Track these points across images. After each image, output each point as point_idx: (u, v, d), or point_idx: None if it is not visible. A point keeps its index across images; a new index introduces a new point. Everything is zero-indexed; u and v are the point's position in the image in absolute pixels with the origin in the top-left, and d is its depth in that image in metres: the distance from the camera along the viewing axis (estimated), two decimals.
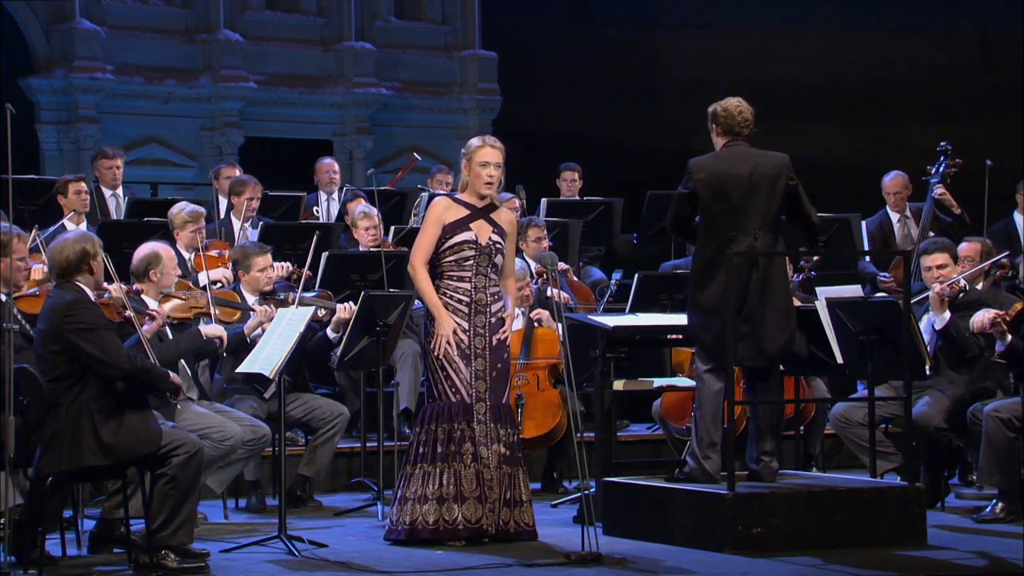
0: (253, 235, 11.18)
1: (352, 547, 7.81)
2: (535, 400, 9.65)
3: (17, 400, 7.03)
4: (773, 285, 7.89)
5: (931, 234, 10.62)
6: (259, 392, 8.95)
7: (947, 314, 8.87)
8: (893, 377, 8.71)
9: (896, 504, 7.77)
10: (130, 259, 8.62)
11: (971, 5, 20.62)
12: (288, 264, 10.32)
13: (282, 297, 9.21)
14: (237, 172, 12.46)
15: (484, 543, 7.68)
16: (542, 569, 7.17)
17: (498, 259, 7.87)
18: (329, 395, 9.91)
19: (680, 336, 8.75)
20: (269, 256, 9.40)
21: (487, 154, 7.89)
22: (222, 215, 11.83)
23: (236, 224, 11.51)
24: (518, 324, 9.87)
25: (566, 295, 10.73)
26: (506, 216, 7.98)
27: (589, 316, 8.90)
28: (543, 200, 12.61)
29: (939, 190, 11.32)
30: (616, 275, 11.12)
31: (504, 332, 7.87)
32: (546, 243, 10.85)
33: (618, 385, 8.61)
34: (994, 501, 8.60)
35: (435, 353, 7.80)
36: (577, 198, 13.21)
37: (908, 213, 11.88)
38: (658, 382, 9.14)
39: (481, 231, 7.84)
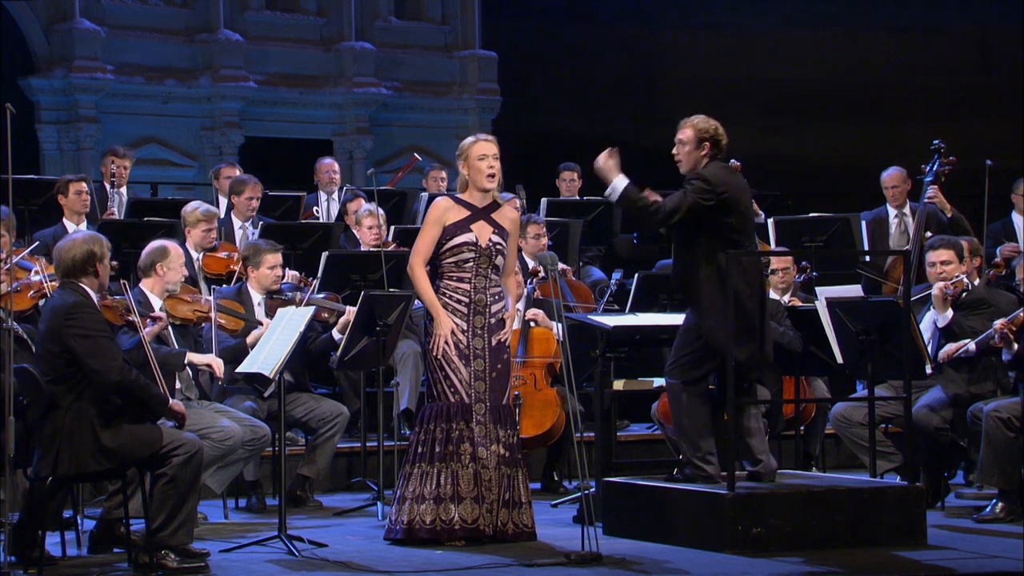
0: (253, 235, 11.19)
1: (352, 547, 7.81)
2: (532, 399, 9.65)
3: (17, 400, 7.03)
4: (765, 297, 7.95)
5: (928, 234, 10.62)
6: (259, 392, 8.95)
7: (949, 312, 8.87)
8: (893, 377, 8.70)
9: (896, 504, 7.77)
10: (130, 259, 8.63)
11: (971, 5, 20.62)
12: (296, 273, 10.34)
13: (288, 297, 9.22)
14: (237, 172, 12.48)
15: (482, 543, 7.68)
16: (542, 569, 7.17)
17: (499, 260, 7.85)
18: (329, 395, 9.91)
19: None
20: (279, 255, 9.42)
21: (482, 147, 7.87)
22: (222, 215, 11.84)
23: (237, 224, 11.52)
24: (515, 323, 9.88)
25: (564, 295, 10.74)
26: (509, 214, 7.96)
27: (589, 316, 8.90)
28: (543, 200, 12.61)
29: (931, 192, 11.30)
30: (616, 275, 11.12)
31: (504, 334, 7.87)
32: (545, 241, 10.85)
33: (618, 385, 8.61)
34: (994, 501, 8.60)
35: (434, 353, 7.80)
36: (577, 198, 13.21)
37: (907, 210, 11.88)
38: (658, 382, 9.14)
39: (482, 232, 7.83)
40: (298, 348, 7.89)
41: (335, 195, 13.09)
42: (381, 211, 11.21)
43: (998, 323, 8.59)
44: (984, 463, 8.57)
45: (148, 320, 7.93)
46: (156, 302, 8.46)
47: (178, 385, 8.45)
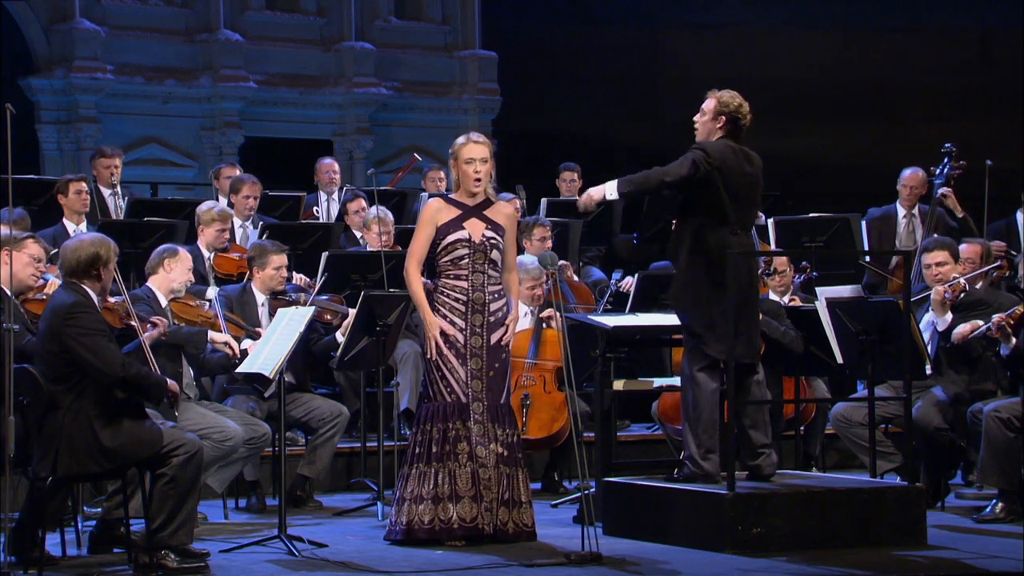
0: (253, 234, 11.19)
1: (352, 547, 7.81)
2: (540, 401, 9.65)
3: (17, 400, 7.02)
4: (756, 287, 7.96)
5: (935, 236, 10.62)
6: (259, 392, 8.95)
7: (949, 315, 8.87)
8: (893, 377, 8.70)
9: (896, 504, 7.77)
10: (130, 259, 8.64)
11: (971, 5, 20.63)
12: (303, 276, 10.34)
13: (293, 299, 9.22)
14: (237, 172, 12.48)
15: (482, 543, 7.68)
16: (542, 569, 7.16)
17: (495, 255, 7.86)
18: (329, 395, 9.91)
19: (680, 336, 8.75)
20: (285, 256, 9.42)
21: (471, 151, 7.88)
22: (232, 217, 11.82)
23: (237, 223, 11.52)
24: (527, 323, 9.87)
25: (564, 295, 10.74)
26: (503, 211, 7.96)
27: (589, 316, 8.90)
28: (543, 200, 12.61)
29: (943, 191, 11.32)
30: (616, 275, 11.12)
31: (505, 337, 7.85)
32: (550, 243, 10.86)
33: (618, 385, 8.61)
34: (994, 501, 8.60)
35: (428, 356, 7.82)
36: (577, 198, 13.18)
37: (916, 211, 11.88)
38: (658, 382, 9.13)
39: (475, 229, 7.84)
40: (299, 348, 7.89)
41: (335, 195, 13.09)
42: (390, 215, 11.20)
43: (996, 317, 8.60)
44: (984, 463, 8.57)
45: (148, 325, 7.93)
46: (163, 300, 8.48)
47: (186, 380, 8.46)
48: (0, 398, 6.87)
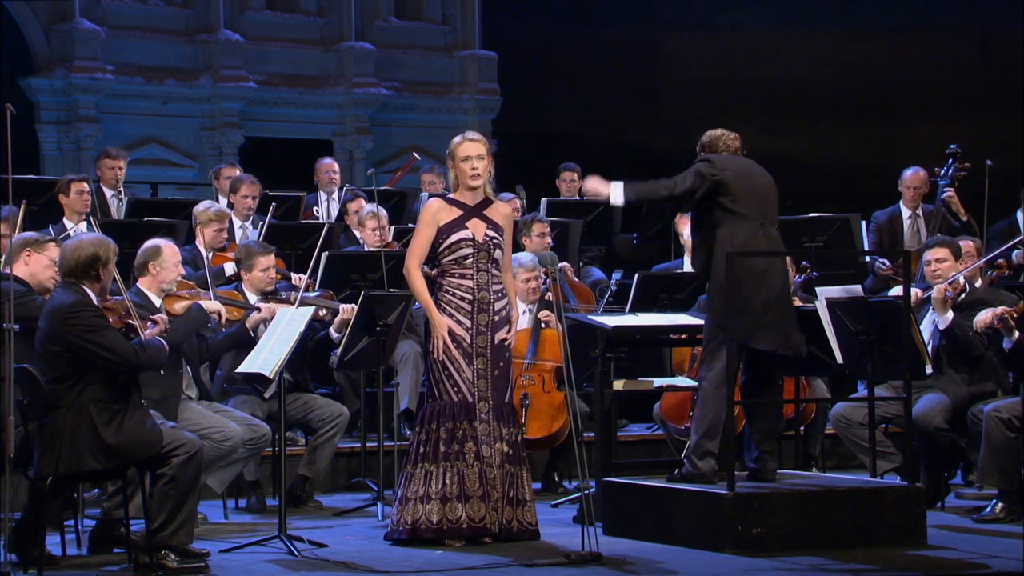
0: (253, 234, 11.20)
1: (352, 547, 7.81)
2: (539, 401, 9.65)
3: (17, 400, 7.03)
4: (788, 281, 8.10)
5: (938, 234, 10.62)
6: (259, 392, 8.95)
7: (950, 314, 8.87)
8: (893, 377, 8.70)
9: (896, 504, 7.77)
10: (130, 259, 8.62)
11: (971, 5, 20.63)
12: (302, 276, 10.33)
13: (284, 297, 9.21)
14: (237, 172, 12.48)
15: (486, 542, 7.68)
16: (542, 569, 7.17)
17: (497, 254, 7.87)
18: (329, 395, 9.90)
19: (684, 336, 8.75)
20: (272, 256, 9.40)
21: (467, 148, 7.90)
22: (229, 217, 11.83)
23: (236, 223, 11.53)
24: (525, 323, 9.87)
25: (565, 294, 10.75)
26: (502, 210, 7.98)
27: (589, 316, 8.90)
28: (543, 200, 12.61)
29: (948, 192, 11.31)
30: (616, 275, 11.12)
31: (509, 335, 7.87)
32: (549, 240, 10.86)
33: (618, 385, 8.61)
34: (994, 501, 8.60)
35: (434, 355, 7.82)
36: (577, 198, 13.20)
37: (920, 212, 11.87)
38: (658, 382, 9.14)
39: (477, 228, 7.85)
40: (297, 348, 7.88)
41: (335, 195, 13.10)
42: (384, 212, 11.21)
43: (999, 309, 8.61)
44: (984, 463, 8.57)
45: (148, 323, 7.92)
46: (156, 300, 8.46)
47: (182, 383, 8.45)
48: (0, 398, 6.87)
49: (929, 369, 8.79)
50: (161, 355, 7.33)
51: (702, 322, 8.18)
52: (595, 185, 8.02)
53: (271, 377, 7.87)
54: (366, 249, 11.02)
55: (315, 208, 13.01)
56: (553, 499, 9.38)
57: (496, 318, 7.85)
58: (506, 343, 7.87)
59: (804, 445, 10.04)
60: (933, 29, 20.92)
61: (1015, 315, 8.58)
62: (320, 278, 10.35)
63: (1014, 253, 11.25)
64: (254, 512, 9.15)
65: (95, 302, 7.21)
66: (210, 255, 10.45)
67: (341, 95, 20.02)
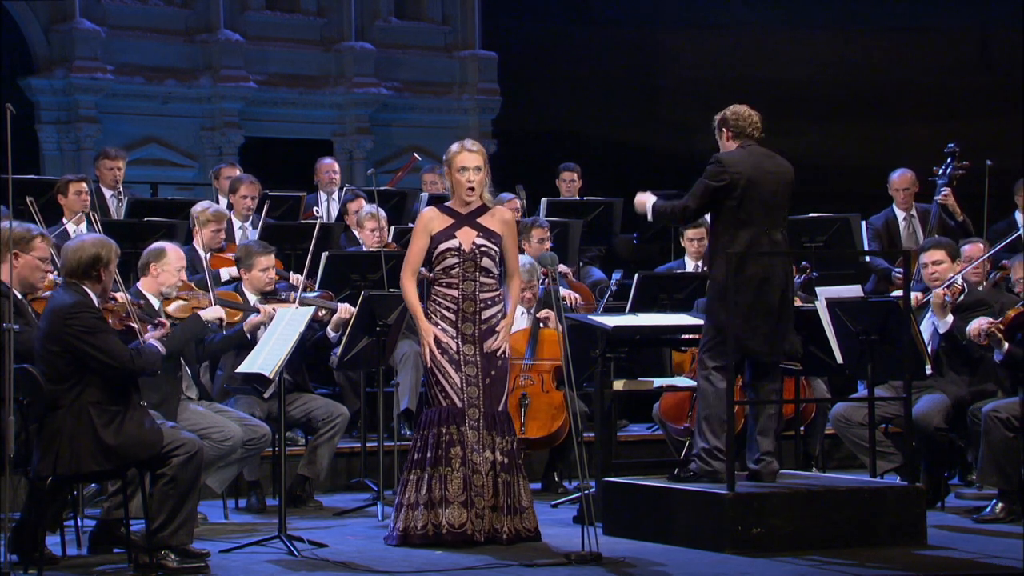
0: (253, 234, 11.19)
1: (352, 547, 7.81)
2: (539, 401, 9.66)
3: (17, 400, 7.02)
4: (791, 285, 8.07)
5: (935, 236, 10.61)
6: (259, 392, 8.95)
7: (950, 318, 8.87)
8: (893, 377, 8.71)
9: (896, 504, 7.77)
10: (130, 259, 8.62)
11: (971, 5, 20.62)
12: (299, 276, 10.33)
13: (283, 297, 9.21)
14: (237, 172, 12.47)
15: (474, 545, 7.66)
16: (542, 569, 7.16)
17: (485, 263, 7.84)
18: (329, 395, 9.91)
19: (688, 336, 8.75)
20: (272, 256, 9.41)
21: (464, 159, 7.90)
22: (227, 217, 11.82)
23: (236, 224, 11.53)
24: (524, 323, 9.87)
25: (573, 294, 10.75)
26: (500, 216, 7.95)
27: (589, 316, 8.90)
28: (543, 200, 12.61)
29: (944, 193, 11.31)
30: (616, 275, 11.12)
31: (496, 343, 7.84)
32: (549, 245, 10.85)
33: (618, 385, 8.61)
34: (994, 501, 8.60)
35: (425, 362, 7.83)
36: (577, 198, 13.21)
37: (914, 212, 11.86)
38: (658, 382, 9.14)
39: (465, 237, 7.85)
40: (297, 348, 7.88)
41: (335, 195, 13.10)
42: (383, 213, 11.21)
43: (986, 322, 8.58)
44: (983, 463, 8.57)
45: (149, 326, 7.91)
46: (154, 302, 8.45)
47: (182, 384, 8.45)
48: (0, 398, 6.87)
49: (929, 369, 8.79)
50: (157, 361, 7.32)
51: (702, 322, 8.18)
52: (642, 200, 8.29)
53: (271, 377, 7.87)
54: (365, 250, 11.01)
55: (315, 208, 13.01)
56: (553, 499, 9.38)
57: (484, 327, 7.84)
58: (495, 351, 7.83)
59: (804, 445, 10.04)
60: (933, 29, 20.90)
61: (1002, 327, 8.56)
62: (320, 278, 10.35)
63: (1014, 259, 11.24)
64: (254, 512, 9.15)
65: (96, 303, 7.21)
66: (208, 255, 10.44)
67: (341, 95, 20.00)
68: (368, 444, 9.76)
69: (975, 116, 19.70)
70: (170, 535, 7.11)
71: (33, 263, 7.57)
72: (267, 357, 7.80)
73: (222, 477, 8.56)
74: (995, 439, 8.48)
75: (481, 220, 7.90)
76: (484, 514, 7.72)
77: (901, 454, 8.74)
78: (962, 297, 8.94)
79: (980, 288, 9.35)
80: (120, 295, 7.73)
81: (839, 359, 8.59)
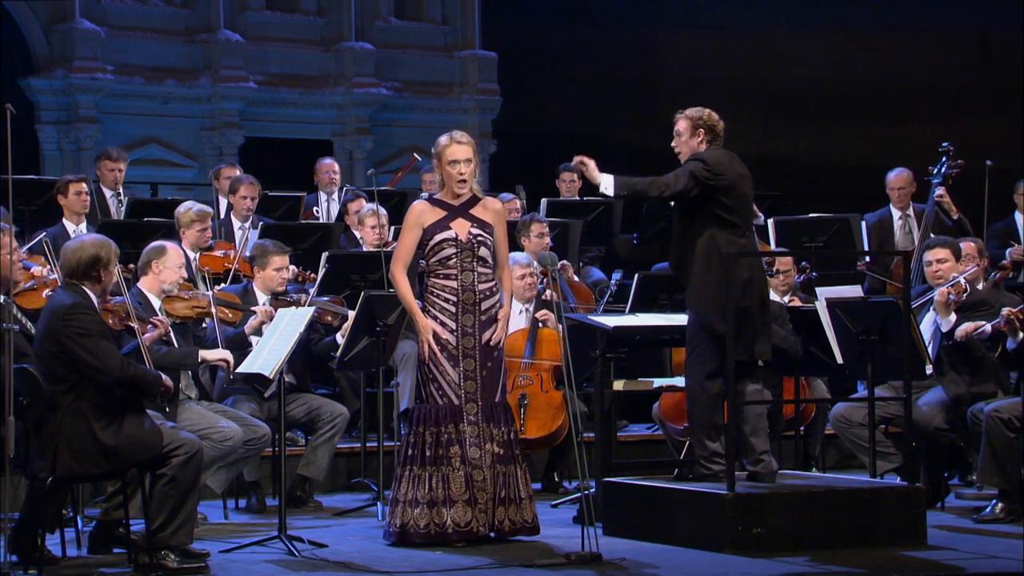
0: (253, 235, 11.19)
1: (352, 547, 7.81)
2: (538, 401, 9.66)
3: (17, 400, 7.02)
4: (767, 286, 8.09)
5: (932, 236, 10.62)
6: (259, 392, 8.95)
7: (953, 317, 8.87)
8: (893, 377, 8.70)
9: (896, 504, 7.77)
10: (130, 259, 8.62)
11: (971, 5, 20.62)
12: (294, 267, 10.32)
13: (293, 299, 9.21)
14: (237, 172, 12.47)
15: (459, 547, 7.65)
16: (542, 569, 7.16)
17: (482, 252, 7.83)
18: (329, 395, 9.91)
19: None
20: (287, 257, 9.43)
21: (454, 152, 7.86)
22: (222, 215, 11.85)
23: (236, 224, 11.53)
24: (523, 323, 9.87)
25: (564, 294, 10.75)
26: (491, 207, 7.94)
27: (589, 316, 8.90)
28: (543, 200, 12.61)
29: (939, 192, 11.32)
30: (616, 275, 11.12)
31: (496, 335, 7.84)
32: (548, 240, 10.85)
33: (618, 385, 8.61)
34: (994, 501, 8.60)
35: (422, 357, 7.81)
36: (577, 198, 13.21)
37: (911, 212, 11.86)
38: (658, 382, 9.14)
39: (461, 228, 7.83)
40: (298, 349, 7.88)
41: (335, 195, 13.09)
42: (383, 211, 11.21)
43: (1006, 310, 8.61)
44: (984, 464, 8.57)
45: (148, 326, 7.91)
46: (155, 302, 8.45)
47: (181, 384, 8.45)
48: (0, 398, 6.87)
49: (929, 369, 8.79)
50: (147, 377, 7.22)
51: None
52: (591, 169, 8.04)
53: (271, 377, 7.87)
54: (365, 249, 11.02)
55: (315, 208, 13.01)
56: (553, 499, 9.38)
57: (483, 317, 7.83)
58: (493, 343, 7.83)
59: (804, 445, 10.04)
60: (933, 29, 20.90)
61: (1021, 316, 8.57)
62: (320, 278, 10.35)
63: (1007, 250, 11.26)
64: (254, 512, 9.15)
65: (95, 304, 7.20)
66: (196, 255, 10.44)
67: (341, 95, 20.01)
68: (368, 444, 9.76)
69: (975, 116, 19.70)
70: (170, 535, 7.11)
71: (4, 259, 7.56)
72: (267, 357, 7.80)
73: (222, 477, 8.56)
74: (997, 439, 8.48)
75: (473, 212, 7.88)
76: (488, 508, 7.72)
77: (901, 454, 8.74)
78: (965, 295, 8.93)
79: (980, 287, 9.34)
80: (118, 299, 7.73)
81: (839, 359, 8.59)
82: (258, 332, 8.78)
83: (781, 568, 7.16)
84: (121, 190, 12.14)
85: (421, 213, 7.87)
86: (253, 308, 9.01)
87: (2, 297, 7.55)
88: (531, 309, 9.96)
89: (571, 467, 9.88)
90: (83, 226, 10.93)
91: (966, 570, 7.23)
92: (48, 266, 8.88)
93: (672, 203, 8.08)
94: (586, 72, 20.99)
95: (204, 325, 8.66)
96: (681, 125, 8.05)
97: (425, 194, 12.70)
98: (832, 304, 8.58)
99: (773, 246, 11.35)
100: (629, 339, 8.72)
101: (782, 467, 8.29)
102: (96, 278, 7.22)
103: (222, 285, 9.73)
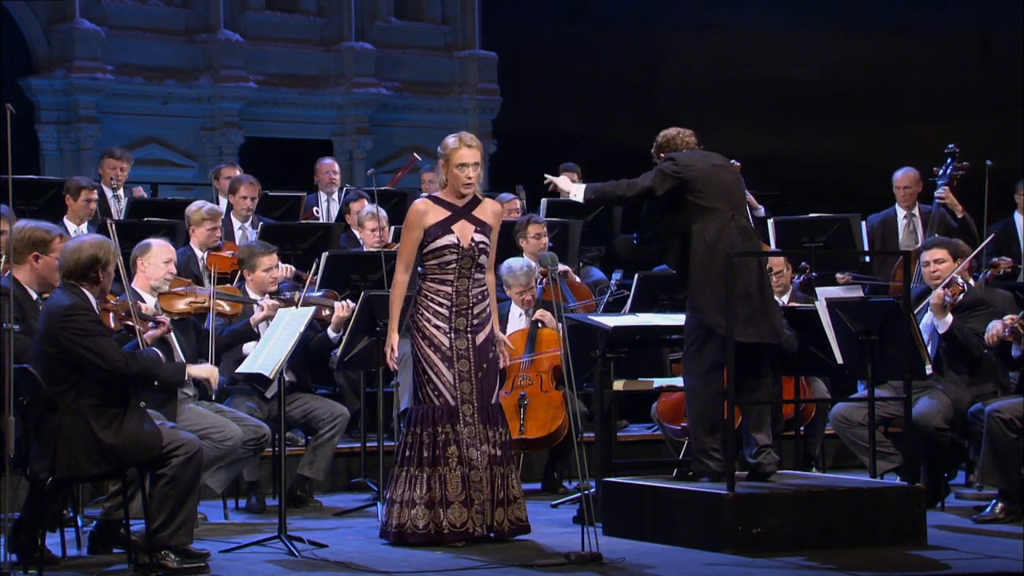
0: (253, 235, 11.20)
1: (352, 547, 7.81)
2: (538, 401, 9.66)
3: (17, 400, 7.02)
4: (765, 270, 8.11)
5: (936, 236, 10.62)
6: (259, 392, 8.95)
7: (949, 318, 8.87)
8: (893, 377, 8.71)
9: (896, 504, 7.77)
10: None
11: (971, 5, 20.62)
12: (291, 267, 10.33)
13: (287, 297, 9.20)
14: (237, 172, 12.48)
15: (459, 547, 7.65)
16: (542, 569, 7.16)
17: (482, 259, 7.84)
18: (329, 395, 9.91)
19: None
20: (275, 256, 9.41)
21: (464, 156, 7.84)
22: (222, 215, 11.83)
23: (236, 224, 11.53)
24: (522, 323, 9.87)
25: (564, 295, 10.75)
26: (491, 208, 7.94)
27: (589, 316, 8.90)
28: (543, 200, 12.61)
29: (939, 192, 11.33)
30: (616, 275, 11.12)
31: (487, 336, 7.83)
32: (546, 240, 10.84)
33: (618, 385, 8.61)
34: (994, 501, 8.60)
35: (389, 365, 7.87)
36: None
37: (916, 212, 11.87)
38: (658, 382, 9.14)
39: (464, 233, 7.82)
40: (296, 347, 7.87)
41: (335, 195, 13.10)
42: (383, 213, 11.21)
43: (1008, 318, 8.60)
44: (984, 463, 8.57)
45: (149, 325, 7.90)
46: (149, 299, 8.43)
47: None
48: (0, 398, 6.87)
49: (929, 369, 8.79)
50: (154, 367, 7.26)
51: None
52: (560, 183, 8.26)
53: (271, 377, 7.87)
54: (366, 250, 11.02)
55: (315, 208, 13.01)
56: (553, 499, 9.38)
57: (475, 321, 7.83)
58: (490, 344, 7.83)
59: (804, 445, 10.04)
60: (933, 29, 20.91)
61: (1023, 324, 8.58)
62: (320, 278, 10.36)
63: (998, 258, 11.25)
64: (254, 512, 9.15)
65: (94, 305, 7.19)
66: (204, 255, 10.45)
67: (341, 95, 20.01)
68: (368, 444, 9.76)
69: (975, 116, 19.71)
70: (170, 535, 7.11)
71: (53, 264, 7.52)
72: (267, 357, 7.80)
73: (222, 477, 8.56)
74: (998, 439, 8.48)
75: (476, 213, 7.87)
76: (484, 509, 7.73)
77: (901, 454, 8.74)
78: (961, 296, 8.93)
79: (973, 284, 9.33)
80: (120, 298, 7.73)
81: (839, 359, 8.59)
82: (268, 318, 8.77)
83: (781, 568, 7.16)
84: (122, 191, 12.14)
85: (423, 213, 7.85)
86: (256, 300, 9.01)
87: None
88: (531, 311, 9.97)
89: (571, 467, 9.89)
90: (84, 227, 10.94)
91: (966, 570, 7.23)
92: None
93: (646, 203, 8.19)
94: (586, 72, 21.00)
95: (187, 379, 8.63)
96: (654, 152, 8.23)
97: (425, 193, 12.81)
98: (832, 304, 8.58)
99: (773, 246, 11.35)
100: (629, 339, 8.72)
101: (782, 467, 8.29)
102: (95, 279, 7.21)
103: (228, 285, 9.72)
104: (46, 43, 18.40)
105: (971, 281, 9.27)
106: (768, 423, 8.06)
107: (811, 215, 11.92)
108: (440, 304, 7.80)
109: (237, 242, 11.17)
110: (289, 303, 8.87)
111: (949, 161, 11.39)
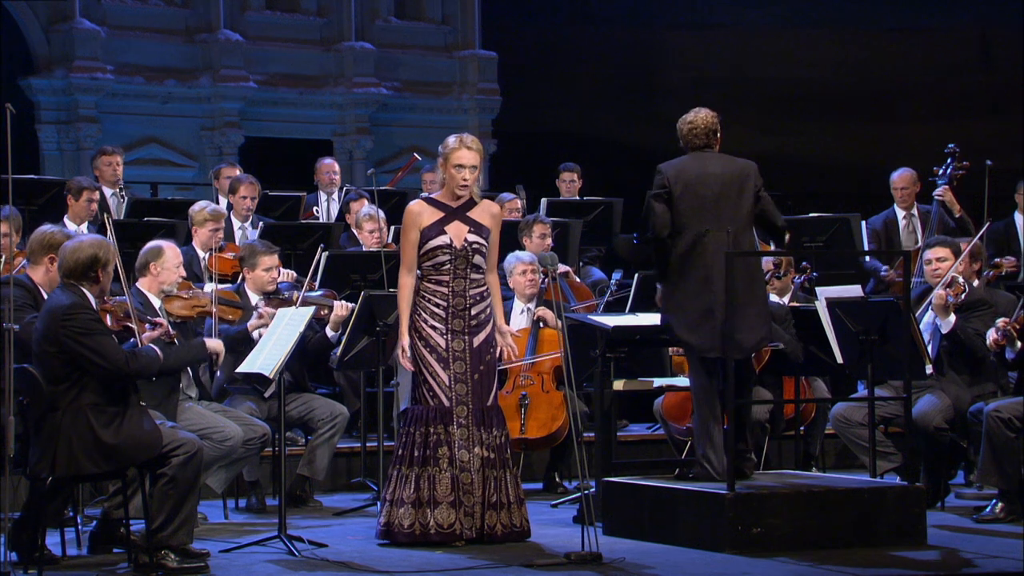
0: (253, 235, 11.19)
1: (352, 547, 7.81)
2: (539, 401, 9.65)
3: (17, 400, 7.02)
4: (756, 281, 7.98)
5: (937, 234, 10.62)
6: (259, 392, 8.95)
7: (952, 318, 8.86)
8: (893, 377, 8.71)
9: (896, 504, 7.77)
10: (130, 259, 8.61)
11: (971, 5, 20.63)
12: (293, 272, 10.32)
13: (286, 297, 9.20)
14: (237, 172, 12.47)
15: (457, 546, 7.65)
16: (542, 569, 7.16)
17: (477, 259, 7.83)
18: (329, 395, 9.90)
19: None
20: (276, 256, 9.40)
21: (462, 157, 7.84)
22: (225, 216, 11.83)
23: (236, 224, 11.53)
24: (524, 323, 9.87)
25: (565, 295, 10.74)
26: (489, 209, 7.93)
27: (589, 316, 8.90)
28: (543, 200, 12.61)
29: (938, 191, 11.33)
30: (616, 275, 11.12)
31: (486, 337, 7.83)
32: (550, 241, 10.84)
33: (618, 385, 8.61)
34: (994, 501, 8.60)
35: (400, 361, 7.85)
36: (577, 198, 13.20)
37: (915, 212, 11.87)
38: (658, 382, 9.14)
39: (457, 233, 7.81)
40: (298, 348, 7.88)
41: (335, 195, 13.09)
42: (382, 213, 11.21)
43: (1000, 321, 8.60)
44: (984, 463, 8.57)
45: (147, 325, 7.89)
46: (155, 301, 8.44)
47: (181, 383, 8.44)
48: (0, 398, 6.87)
49: (929, 369, 8.79)
50: (154, 364, 7.27)
51: None
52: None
53: (271, 377, 7.87)
54: (365, 250, 11.01)
55: (315, 208, 13.01)
56: (553, 499, 9.38)
57: (473, 322, 7.82)
58: (488, 346, 7.83)
59: (804, 445, 10.03)
60: (933, 29, 20.92)
61: (1017, 326, 8.57)
62: (320, 278, 10.36)
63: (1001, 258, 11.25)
64: (254, 512, 9.15)
65: (93, 304, 7.20)
66: (207, 255, 10.45)
67: (341, 95, 20.01)
68: (368, 444, 9.76)
69: (975, 116, 19.72)
70: (170, 535, 7.11)
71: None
72: (267, 357, 7.80)
73: (222, 477, 8.56)
74: (997, 439, 8.48)
75: (471, 214, 7.87)
76: (474, 511, 7.71)
77: (901, 454, 8.74)
78: (963, 296, 8.93)
79: (975, 284, 9.33)
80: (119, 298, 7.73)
81: (839, 359, 8.59)
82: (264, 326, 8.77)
83: (781, 568, 7.16)
84: (122, 188, 12.13)
85: (418, 215, 7.85)
86: (255, 306, 9.01)
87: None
88: (532, 308, 9.96)
89: (571, 467, 9.88)
90: (84, 227, 10.93)
91: (966, 570, 7.23)
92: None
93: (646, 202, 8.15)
94: (586, 72, 21.01)
95: (204, 323, 8.64)
96: None
97: (424, 194, 12.81)
98: (832, 304, 8.58)
99: (773, 246, 11.33)
100: (629, 339, 8.72)
101: (782, 467, 8.30)
102: (94, 279, 7.21)
103: (227, 285, 9.72)
104: (46, 43, 18.40)
105: (975, 281, 9.27)
106: (746, 427, 8.07)
107: (811, 215, 11.92)
108: (437, 305, 7.79)
109: (237, 242, 11.17)
110: (288, 303, 8.87)
111: (949, 161, 11.39)
